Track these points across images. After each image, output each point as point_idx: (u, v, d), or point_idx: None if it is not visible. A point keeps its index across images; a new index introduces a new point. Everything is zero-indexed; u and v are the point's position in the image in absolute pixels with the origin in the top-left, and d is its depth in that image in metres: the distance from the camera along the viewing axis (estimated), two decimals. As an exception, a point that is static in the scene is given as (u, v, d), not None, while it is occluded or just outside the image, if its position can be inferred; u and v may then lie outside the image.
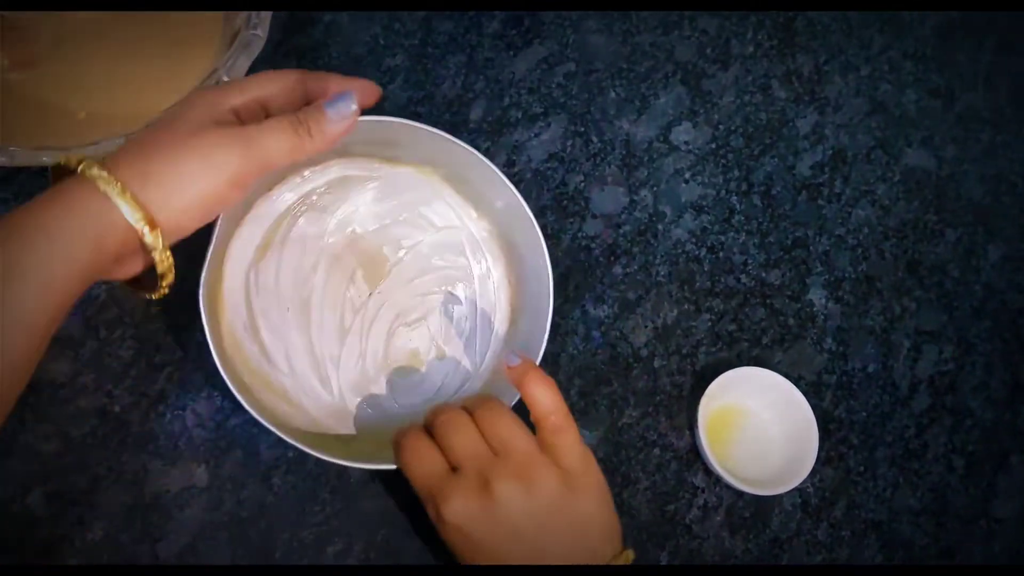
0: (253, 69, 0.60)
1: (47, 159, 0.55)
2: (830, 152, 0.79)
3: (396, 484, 0.59)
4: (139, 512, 0.57)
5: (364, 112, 0.51)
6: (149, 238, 0.44)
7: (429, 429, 0.54)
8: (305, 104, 0.50)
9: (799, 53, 0.81)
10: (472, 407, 0.54)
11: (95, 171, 0.43)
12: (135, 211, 0.43)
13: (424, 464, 0.52)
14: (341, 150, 0.61)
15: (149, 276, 0.48)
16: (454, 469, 0.52)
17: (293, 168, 0.60)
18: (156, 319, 0.62)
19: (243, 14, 0.62)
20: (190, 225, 0.46)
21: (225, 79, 0.58)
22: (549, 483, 0.51)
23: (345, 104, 0.49)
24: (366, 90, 0.51)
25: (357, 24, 0.72)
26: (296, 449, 0.54)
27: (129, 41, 0.64)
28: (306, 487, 0.60)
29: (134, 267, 0.47)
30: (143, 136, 0.46)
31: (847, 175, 0.79)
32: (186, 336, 0.62)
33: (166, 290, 0.48)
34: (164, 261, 0.45)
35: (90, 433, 0.59)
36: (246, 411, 0.53)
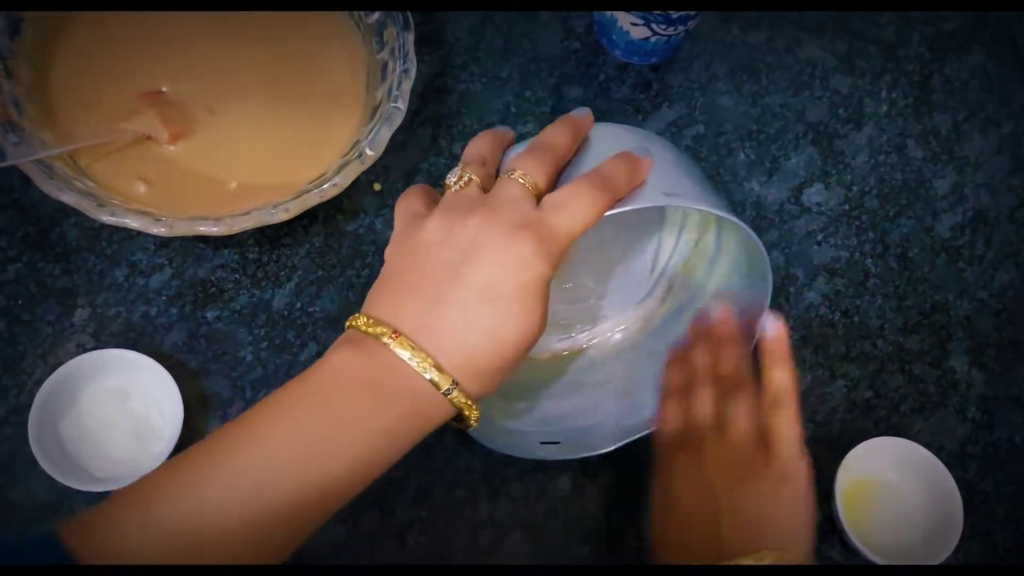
0: (393, 139, 0.62)
1: (202, 229, 0.58)
2: (970, 213, 0.76)
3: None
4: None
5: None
6: (454, 397, 0.41)
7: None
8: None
9: (936, 111, 0.79)
10: (727, 373, 0.58)
11: (456, 396, 0.41)
12: (470, 409, 0.42)
13: (670, 428, 0.59)
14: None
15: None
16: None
17: None
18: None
19: (384, 88, 0.64)
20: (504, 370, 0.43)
21: (368, 152, 0.60)
22: (757, 486, 0.53)
23: (579, 111, 0.48)
24: (646, 166, 0.47)
25: (490, 92, 0.74)
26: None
27: (275, 113, 0.67)
28: (437, 543, 0.61)
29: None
30: (459, 332, 0.41)
31: (989, 236, 0.76)
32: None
33: (475, 424, 0.44)
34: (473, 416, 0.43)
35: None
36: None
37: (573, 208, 0.42)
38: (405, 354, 0.40)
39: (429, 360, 0.40)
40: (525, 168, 0.44)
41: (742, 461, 0.54)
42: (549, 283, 0.42)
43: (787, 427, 0.53)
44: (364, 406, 0.40)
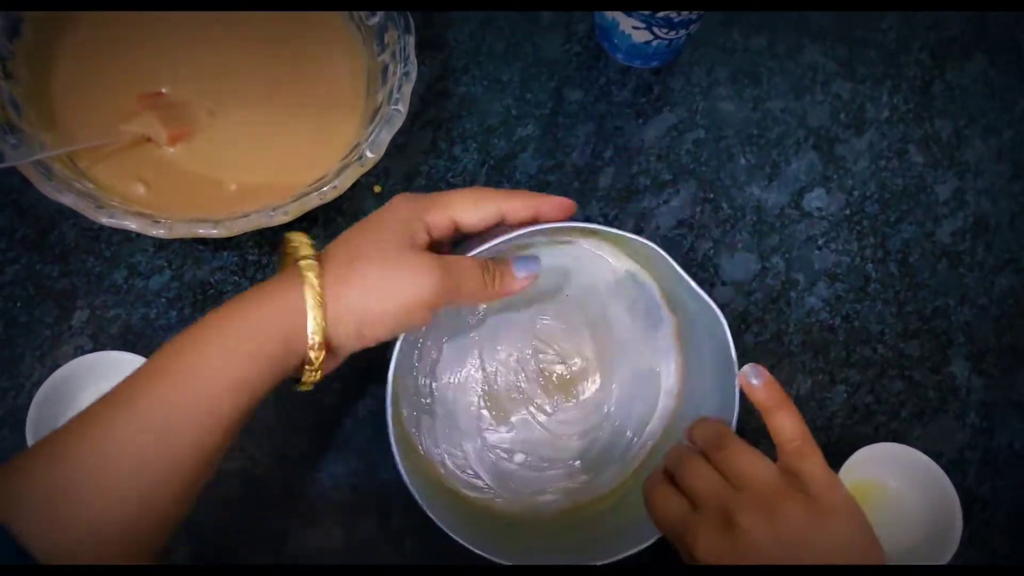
0: (393, 142, 0.62)
1: (202, 231, 0.58)
2: (971, 219, 0.76)
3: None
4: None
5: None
6: (311, 354, 0.47)
7: (670, 475, 0.54)
8: (494, 221, 0.53)
9: (937, 117, 0.79)
10: (705, 445, 0.54)
11: (310, 276, 0.47)
12: (316, 330, 0.47)
13: (670, 507, 0.52)
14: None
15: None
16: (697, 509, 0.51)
17: None
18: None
19: (384, 91, 0.64)
20: (377, 336, 0.49)
21: (369, 154, 0.60)
22: (795, 510, 0.49)
23: (531, 266, 0.54)
24: (562, 207, 0.54)
25: (491, 95, 0.74)
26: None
27: (275, 115, 0.67)
28: (434, 551, 0.61)
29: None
30: (354, 238, 0.50)
31: (990, 242, 0.76)
32: (326, 399, 0.64)
33: (309, 388, 0.51)
34: (311, 375, 0.49)
35: (233, 494, 0.61)
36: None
37: (452, 192, 0.53)
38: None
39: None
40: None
41: (782, 531, 0.48)
42: (412, 222, 0.50)
43: (824, 473, 0.50)
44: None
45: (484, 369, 0.65)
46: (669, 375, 0.66)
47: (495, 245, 0.53)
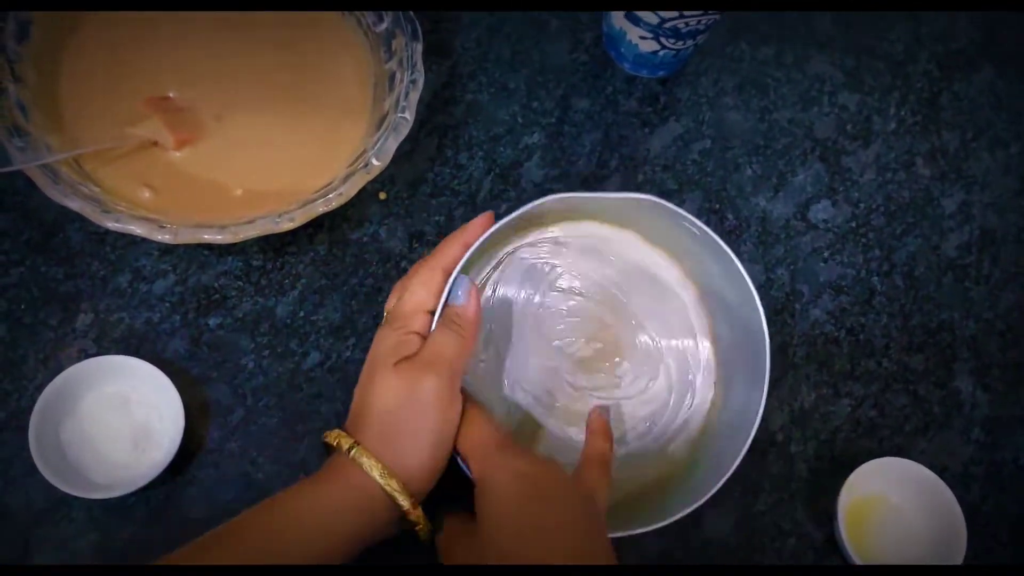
0: (399, 148, 0.62)
1: (207, 236, 0.58)
2: (977, 232, 0.76)
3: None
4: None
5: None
6: (413, 516, 0.52)
7: None
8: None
9: (944, 129, 0.79)
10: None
11: (366, 459, 0.51)
12: (403, 496, 0.51)
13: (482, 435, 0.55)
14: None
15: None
16: None
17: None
18: (298, 389, 0.64)
19: (391, 98, 0.64)
20: (437, 475, 0.54)
21: (375, 161, 0.60)
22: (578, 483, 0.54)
23: (461, 287, 0.56)
24: (482, 225, 0.57)
25: (497, 103, 0.74)
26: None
27: (282, 121, 0.67)
28: (434, 556, 0.60)
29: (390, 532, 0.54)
30: (373, 417, 0.53)
31: (996, 256, 0.75)
32: (326, 407, 0.64)
33: (428, 536, 0.54)
34: (420, 522, 0.53)
35: (234, 499, 0.61)
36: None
37: (408, 291, 0.56)
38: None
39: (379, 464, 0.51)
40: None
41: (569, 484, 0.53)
42: (402, 344, 0.54)
43: (598, 480, 0.55)
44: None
45: (523, 391, 0.64)
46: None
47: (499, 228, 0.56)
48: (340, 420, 0.64)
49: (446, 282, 0.56)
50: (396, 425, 0.52)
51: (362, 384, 0.55)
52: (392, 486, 0.50)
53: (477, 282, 0.63)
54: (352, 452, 0.51)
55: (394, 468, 0.51)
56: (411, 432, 0.52)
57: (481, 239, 0.56)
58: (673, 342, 0.65)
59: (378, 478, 0.50)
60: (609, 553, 0.49)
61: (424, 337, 0.55)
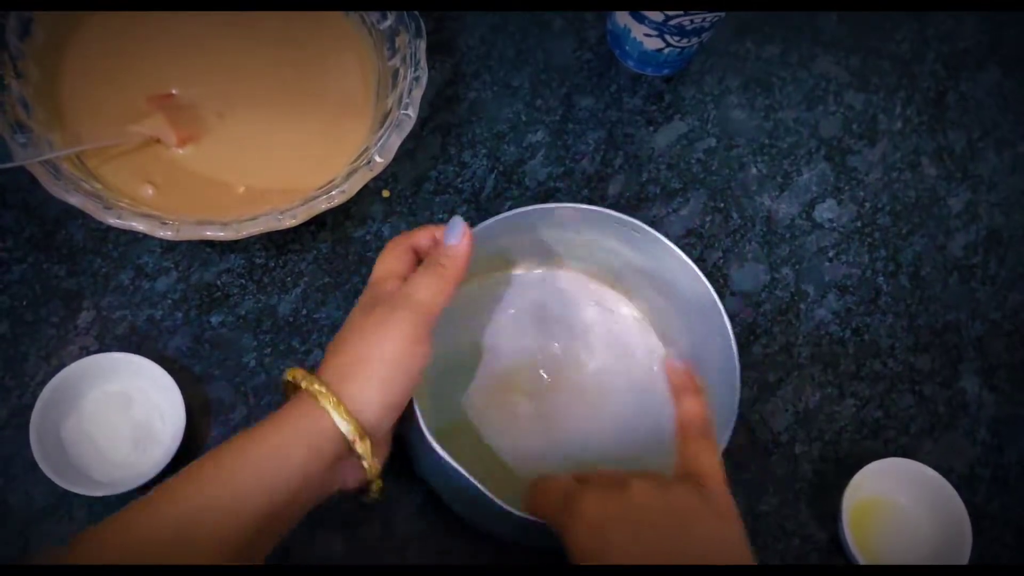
0: (402, 146, 0.61)
1: (209, 233, 0.58)
2: (984, 232, 0.75)
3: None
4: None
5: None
6: (359, 447, 0.48)
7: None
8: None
9: (951, 129, 0.78)
10: None
11: (316, 387, 0.48)
12: (348, 423, 0.47)
13: (552, 485, 0.51)
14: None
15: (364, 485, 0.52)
16: None
17: None
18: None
19: (394, 95, 0.64)
20: (400, 398, 0.50)
21: (377, 159, 0.60)
22: (686, 488, 0.49)
23: (456, 227, 0.53)
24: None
25: (500, 101, 0.74)
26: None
27: (284, 118, 0.67)
28: (437, 560, 0.60)
29: (349, 480, 0.51)
30: (341, 348, 0.50)
31: (1002, 256, 0.75)
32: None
33: (377, 495, 0.52)
34: (373, 468, 0.49)
35: (236, 497, 0.61)
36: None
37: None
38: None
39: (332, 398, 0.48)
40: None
41: (673, 503, 0.48)
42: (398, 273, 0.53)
43: (711, 461, 0.50)
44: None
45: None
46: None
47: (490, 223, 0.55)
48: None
49: (415, 257, 0.55)
50: (354, 354, 0.49)
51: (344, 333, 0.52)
52: (340, 413, 0.47)
53: None
54: (305, 384, 0.48)
55: (347, 401, 0.48)
56: (363, 359, 0.49)
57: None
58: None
59: (330, 408, 0.47)
60: (744, 551, 0.47)
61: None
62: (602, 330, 0.65)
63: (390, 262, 0.54)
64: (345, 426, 0.47)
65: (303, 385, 0.48)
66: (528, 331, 0.65)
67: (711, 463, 0.51)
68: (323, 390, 0.48)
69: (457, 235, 0.53)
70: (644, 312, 0.66)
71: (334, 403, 0.47)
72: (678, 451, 0.52)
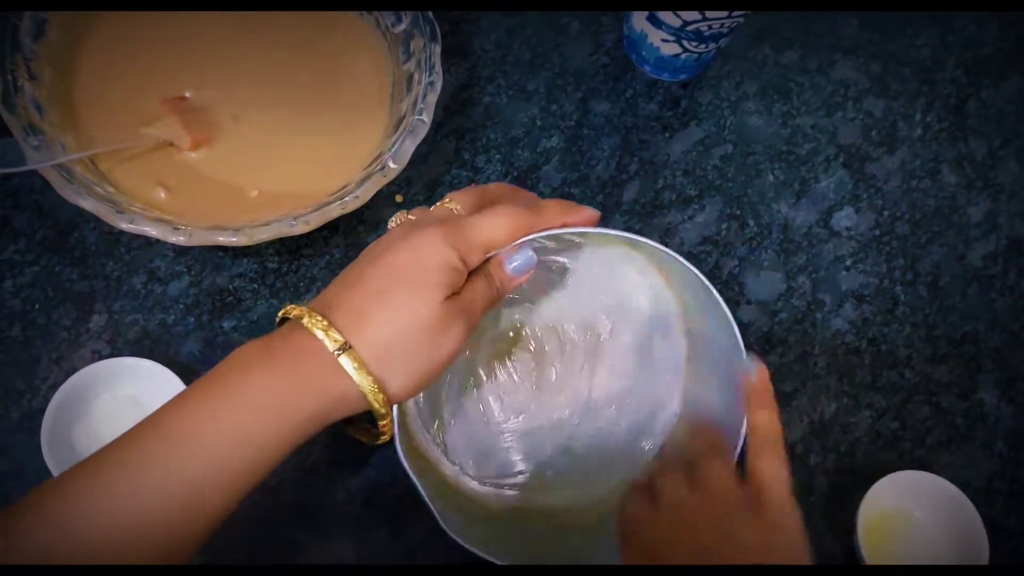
0: (416, 150, 0.61)
1: (222, 239, 0.57)
2: (1004, 242, 0.74)
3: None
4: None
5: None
6: (383, 409, 0.45)
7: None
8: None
9: (971, 137, 0.77)
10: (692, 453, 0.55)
11: (344, 358, 0.43)
12: (375, 392, 0.44)
13: (629, 505, 0.53)
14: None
15: (365, 421, 0.50)
16: None
17: None
18: (312, 393, 0.63)
19: (409, 100, 0.63)
20: (418, 388, 0.47)
21: (391, 164, 0.60)
22: (735, 497, 0.49)
23: (526, 261, 0.50)
24: (589, 220, 0.52)
25: (516, 105, 0.73)
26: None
27: (299, 122, 0.66)
28: (447, 564, 0.60)
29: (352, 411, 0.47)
30: (368, 304, 0.45)
31: (1022, 267, 0.74)
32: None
33: (387, 438, 0.49)
34: (389, 427, 0.47)
35: (246, 506, 0.60)
36: (394, 488, 0.53)
37: (488, 220, 0.48)
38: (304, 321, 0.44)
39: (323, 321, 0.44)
40: (455, 198, 0.51)
41: (729, 511, 0.49)
42: (455, 271, 0.46)
43: (775, 470, 0.50)
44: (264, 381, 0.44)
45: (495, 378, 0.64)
46: (672, 397, 0.64)
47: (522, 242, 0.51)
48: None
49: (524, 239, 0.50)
50: (404, 347, 0.45)
51: (375, 269, 0.46)
52: (379, 401, 0.44)
53: None
54: (341, 357, 0.43)
55: (383, 382, 0.45)
56: (412, 355, 0.45)
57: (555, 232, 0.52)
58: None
59: (368, 393, 0.44)
60: (791, 557, 0.47)
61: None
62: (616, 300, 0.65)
63: (499, 234, 0.49)
64: (372, 394, 0.44)
65: (343, 362, 0.44)
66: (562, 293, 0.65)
67: (773, 472, 0.50)
68: (350, 361, 0.43)
69: (522, 271, 0.50)
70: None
71: (357, 366, 0.43)
72: (748, 458, 0.51)
